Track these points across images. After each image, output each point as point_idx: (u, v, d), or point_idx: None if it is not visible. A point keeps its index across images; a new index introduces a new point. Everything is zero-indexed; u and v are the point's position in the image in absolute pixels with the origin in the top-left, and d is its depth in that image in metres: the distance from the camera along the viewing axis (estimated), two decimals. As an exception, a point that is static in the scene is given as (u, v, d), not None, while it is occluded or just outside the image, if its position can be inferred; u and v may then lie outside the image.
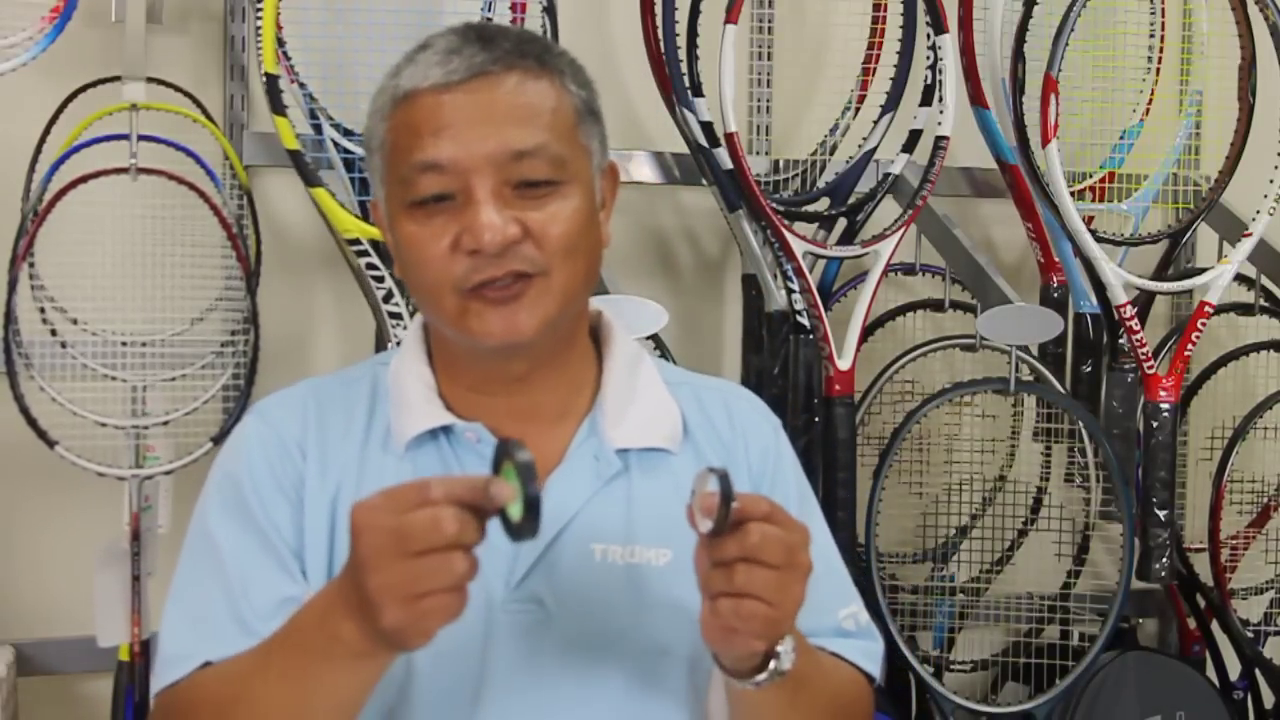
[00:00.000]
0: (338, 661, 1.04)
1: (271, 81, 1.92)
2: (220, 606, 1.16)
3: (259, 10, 1.92)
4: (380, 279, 1.97)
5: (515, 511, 0.99)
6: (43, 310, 2.10)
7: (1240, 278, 2.49)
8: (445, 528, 0.97)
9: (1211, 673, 2.58)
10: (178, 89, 2.18)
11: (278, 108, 1.92)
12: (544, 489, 1.22)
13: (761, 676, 1.10)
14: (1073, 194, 2.20)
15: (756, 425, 1.33)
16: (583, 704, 1.20)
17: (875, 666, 1.29)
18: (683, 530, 1.08)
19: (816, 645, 1.23)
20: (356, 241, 1.96)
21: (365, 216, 1.98)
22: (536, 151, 1.17)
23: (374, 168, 1.24)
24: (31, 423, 2.02)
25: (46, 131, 2.12)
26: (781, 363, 2.23)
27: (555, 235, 1.17)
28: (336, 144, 2.02)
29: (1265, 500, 2.60)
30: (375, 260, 1.96)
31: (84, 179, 2.01)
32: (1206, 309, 2.24)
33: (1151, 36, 2.52)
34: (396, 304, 1.97)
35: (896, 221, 2.19)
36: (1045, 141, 2.12)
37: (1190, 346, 2.24)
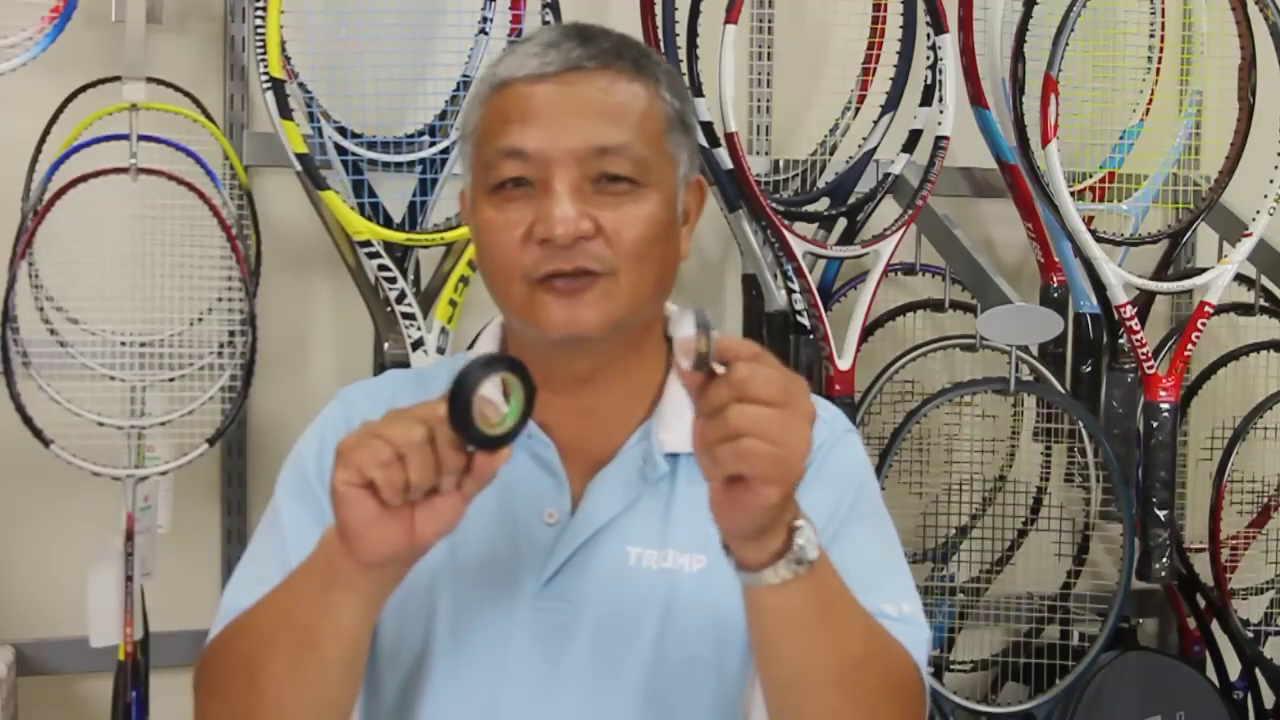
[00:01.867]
0: (335, 587, 1.07)
1: (278, 86, 1.91)
2: (275, 566, 1.19)
3: (259, 10, 1.91)
4: (392, 280, 1.95)
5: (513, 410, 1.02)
6: (42, 309, 2.09)
7: (1240, 278, 2.49)
8: (412, 432, 0.99)
9: (1211, 673, 2.57)
10: (178, 89, 2.17)
11: (285, 112, 1.91)
12: (588, 489, 1.22)
13: (782, 564, 1.03)
14: (1073, 194, 2.20)
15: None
16: (604, 705, 1.19)
17: (920, 654, 1.23)
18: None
19: None
20: (368, 243, 1.95)
21: (368, 219, 1.98)
22: (620, 150, 1.18)
23: (465, 154, 1.26)
24: (27, 421, 2.01)
25: (46, 131, 2.11)
26: (781, 363, 2.23)
27: (627, 237, 1.18)
28: (336, 145, 2.02)
29: (1265, 500, 2.60)
30: (387, 262, 1.95)
31: (84, 179, 2.00)
32: (1206, 309, 2.24)
33: (1151, 36, 2.52)
34: (409, 304, 1.96)
35: (896, 221, 2.19)
36: (1045, 141, 2.12)
37: (1190, 346, 2.24)
